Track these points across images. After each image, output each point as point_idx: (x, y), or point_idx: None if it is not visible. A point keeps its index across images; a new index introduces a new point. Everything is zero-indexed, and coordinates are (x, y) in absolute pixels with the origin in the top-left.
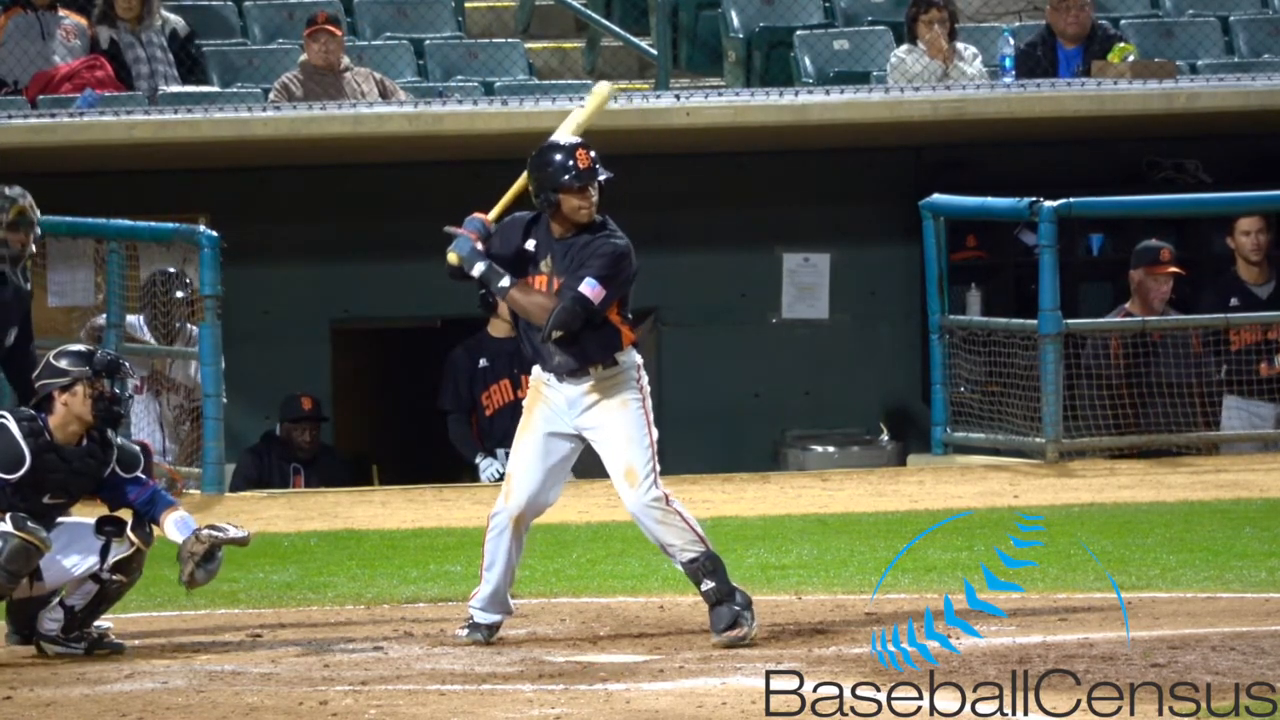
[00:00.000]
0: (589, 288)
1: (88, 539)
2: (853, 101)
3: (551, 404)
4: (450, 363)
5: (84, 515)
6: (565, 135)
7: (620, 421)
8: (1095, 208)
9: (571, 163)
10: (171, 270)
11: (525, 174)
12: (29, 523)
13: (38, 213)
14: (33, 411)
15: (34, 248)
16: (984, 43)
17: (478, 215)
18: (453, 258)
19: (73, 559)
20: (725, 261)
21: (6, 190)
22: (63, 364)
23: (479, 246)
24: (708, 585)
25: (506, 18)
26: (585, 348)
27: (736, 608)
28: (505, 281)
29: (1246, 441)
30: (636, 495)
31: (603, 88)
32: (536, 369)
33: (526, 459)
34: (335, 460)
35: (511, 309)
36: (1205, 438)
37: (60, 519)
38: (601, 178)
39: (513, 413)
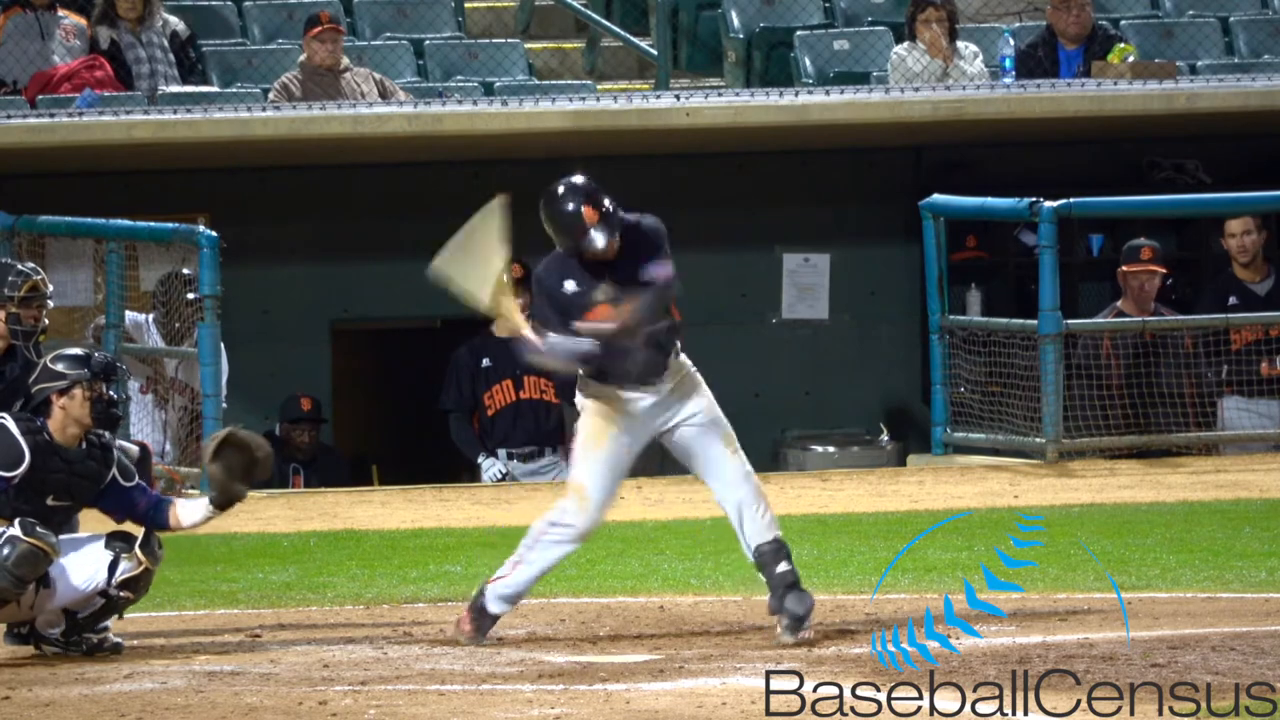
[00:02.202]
0: (661, 269)
1: (96, 555)
2: (853, 101)
3: (632, 413)
4: (453, 362)
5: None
6: (565, 184)
7: (706, 407)
8: (1095, 208)
9: (581, 223)
10: (187, 272)
11: (497, 275)
12: (38, 528)
13: (50, 287)
14: (30, 415)
15: (46, 321)
16: (984, 43)
17: (525, 333)
18: (549, 363)
19: (81, 577)
20: (725, 261)
21: (19, 266)
22: (59, 367)
23: (539, 342)
24: (785, 567)
25: (506, 18)
26: (660, 338)
27: (806, 593)
28: (586, 345)
29: (1255, 441)
30: (743, 462)
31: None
32: (602, 388)
33: (604, 473)
34: (335, 460)
35: (611, 346)
36: (1213, 438)
37: (68, 535)
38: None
39: (514, 413)
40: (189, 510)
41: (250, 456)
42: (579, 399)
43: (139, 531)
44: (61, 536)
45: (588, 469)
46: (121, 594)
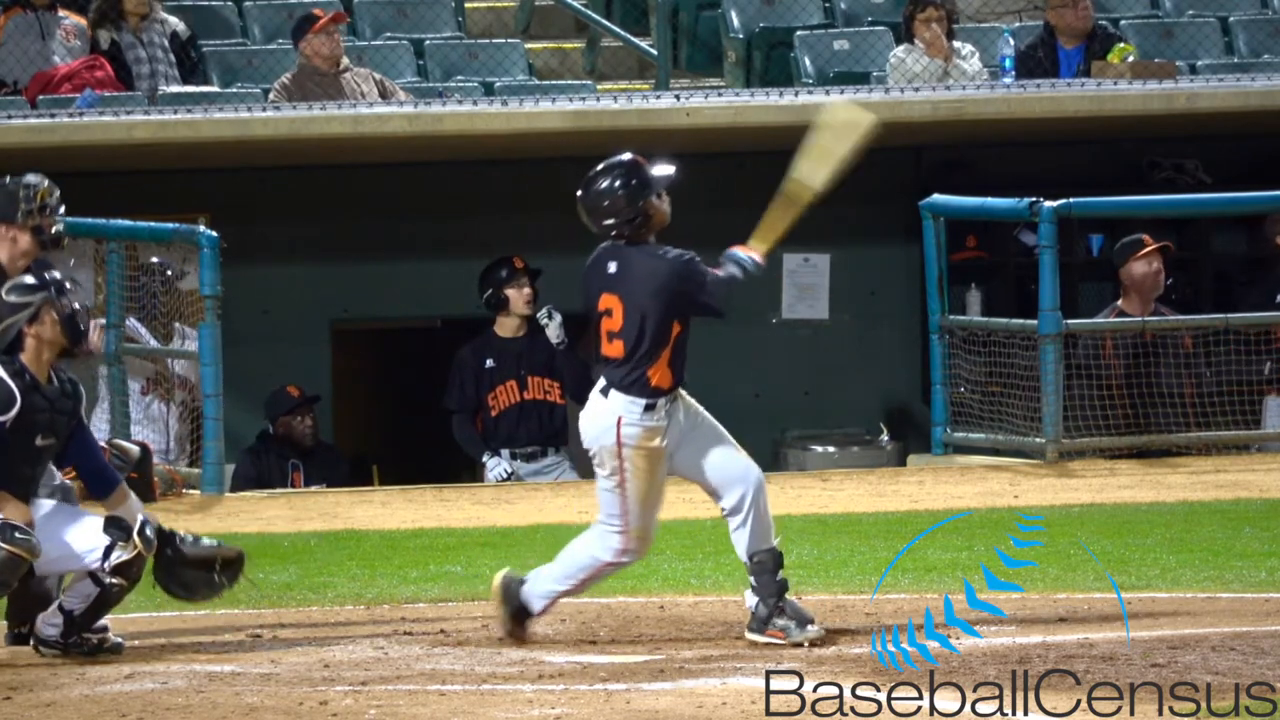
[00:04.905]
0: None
1: (95, 533)
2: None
3: (671, 436)
4: (457, 362)
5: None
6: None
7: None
8: (1095, 208)
9: (650, 169)
10: (155, 260)
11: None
12: (17, 534)
13: (57, 190)
14: (7, 357)
15: (60, 227)
16: (984, 43)
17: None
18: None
19: (78, 546)
20: None
21: (26, 180)
22: (15, 298)
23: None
24: (781, 575)
25: (506, 18)
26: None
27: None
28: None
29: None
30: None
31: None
32: (645, 420)
33: (657, 511)
34: (334, 456)
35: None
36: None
37: (70, 507)
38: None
39: (518, 413)
40: (132, 510)
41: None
42: (618, 452)
43: (134, 520)
44: (62, 506)
45: (648, 516)
46: (114, 581)
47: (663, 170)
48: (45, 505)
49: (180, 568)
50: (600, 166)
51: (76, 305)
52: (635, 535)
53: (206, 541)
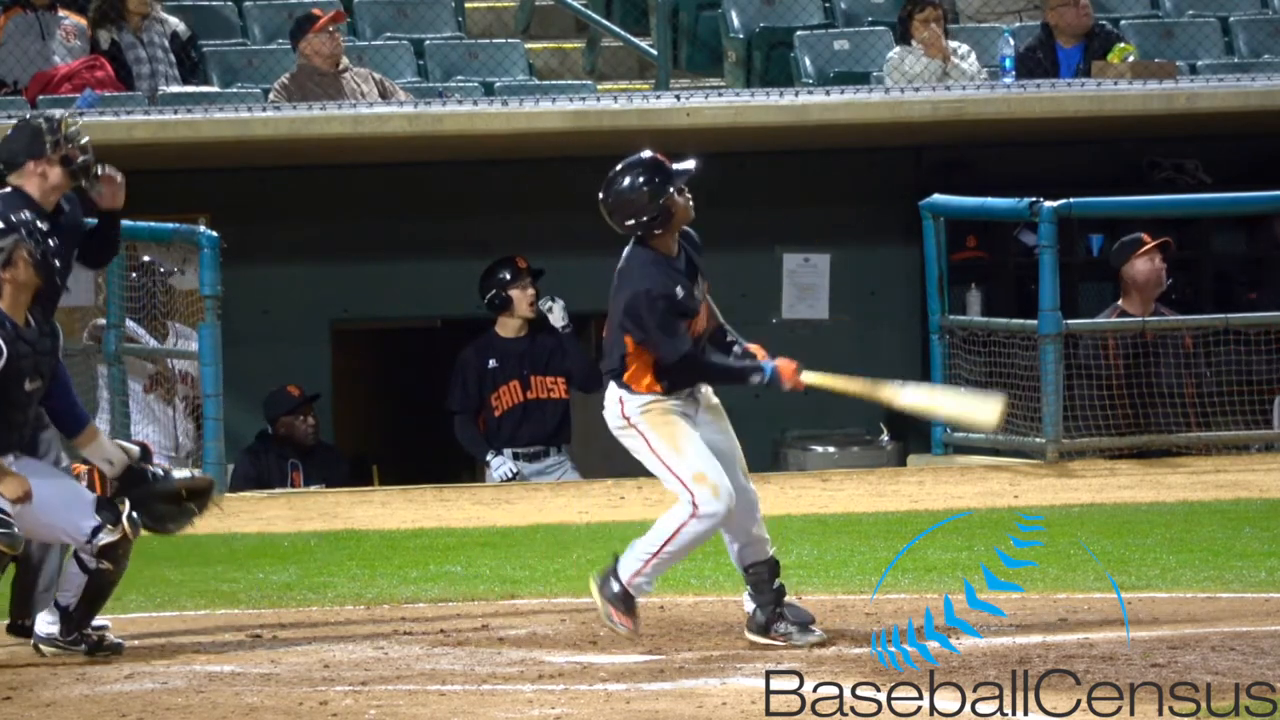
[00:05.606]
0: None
1: (87, 511)
2: (853, 101)
3: (686, 411)
4: (460, 363)
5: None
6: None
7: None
8: (1095, 208)
9: (670, 162)
10: (147, 259)
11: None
12: None
13: (80, 121)
14: None
15: (89, 157)
16: (984, 43)
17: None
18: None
19: (71, 515)
20: (725, 261)
21: (47, 113)
22: None
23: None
24: (778, 582)
25: (506, 18)
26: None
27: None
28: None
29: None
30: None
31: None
32: (644, 397)
33: (706, 454)
34: (334, 456)
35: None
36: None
37: (70, 481)
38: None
39: (521, 413)
40: (102, 448)
41: (179, 507)
42: (629, 422)
43: (124, 505)
44: (65, 478)
45: (693, 459)
46: (101, 565)
47: (684, 165)
48: (47, 471)
49: (152, 502)
50: (620, 166)
51: (46, 244)
52: (695, 483)
53: (178, 474)
